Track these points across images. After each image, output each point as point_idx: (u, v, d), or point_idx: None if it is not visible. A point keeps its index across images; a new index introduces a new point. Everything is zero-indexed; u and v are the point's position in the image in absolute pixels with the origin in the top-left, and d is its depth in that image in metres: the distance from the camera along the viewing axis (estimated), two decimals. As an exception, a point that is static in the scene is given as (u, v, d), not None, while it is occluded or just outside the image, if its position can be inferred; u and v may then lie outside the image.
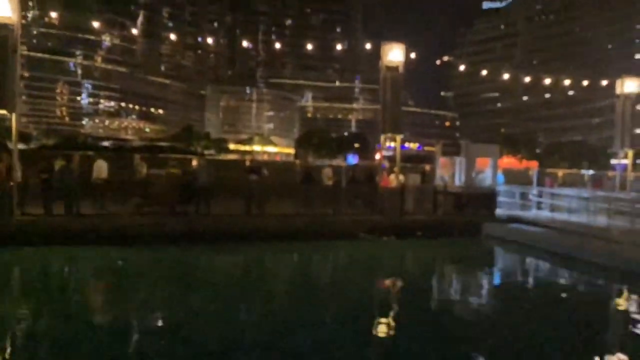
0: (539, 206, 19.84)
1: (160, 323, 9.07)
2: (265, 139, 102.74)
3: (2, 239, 13.59)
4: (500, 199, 20.76)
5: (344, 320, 9.37)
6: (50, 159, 16.63)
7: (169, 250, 14.60)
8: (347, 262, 15.43)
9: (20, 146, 58.25)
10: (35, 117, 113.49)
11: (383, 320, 9.39)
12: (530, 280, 14.14)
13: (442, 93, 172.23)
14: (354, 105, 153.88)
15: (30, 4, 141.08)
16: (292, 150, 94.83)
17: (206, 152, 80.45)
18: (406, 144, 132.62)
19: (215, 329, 8.57)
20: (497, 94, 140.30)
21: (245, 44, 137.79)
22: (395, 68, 18.37)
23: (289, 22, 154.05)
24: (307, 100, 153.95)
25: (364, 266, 15.00)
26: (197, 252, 14.77)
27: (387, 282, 12.90)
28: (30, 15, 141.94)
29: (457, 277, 14.17)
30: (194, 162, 22.60)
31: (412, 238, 17.79)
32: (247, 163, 19.63)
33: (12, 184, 14.32)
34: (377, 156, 20.51)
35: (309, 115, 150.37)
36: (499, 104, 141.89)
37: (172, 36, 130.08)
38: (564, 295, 12.14)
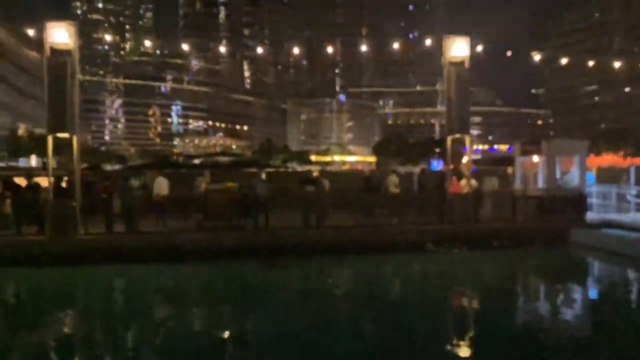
0: (638, 208, 17.26)
1: (215, 343, 8.61)
2: (343, 148, 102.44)
3: (66, 257, 13.95)
4: (592, 201, 18.39)
5: (412, 344, 8.35)
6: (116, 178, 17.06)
7: (225, 266, 14.26)
8: (412, 277, 14.17)
9: (117, 167, 61.90)
10: (131, 140, 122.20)
11: (455, 344, 8.31)
12: (626, 297, 12.02)
13: (533, 90, 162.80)
14: (437, 109, 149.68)
15: (127, 35, 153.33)
16: (372, 159, 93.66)
17: (289, 164, 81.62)
18: (495, 146, 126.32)
19: (273, 349, 7.97)
20: (594, 87, 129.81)
21: (323, 56, 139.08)
22: (460, 63, 16.87)
23: (365, 31, 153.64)
24: (389, 107, 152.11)
25: (431, 282, 13.65)
26: (252, 267, 14.29)
27: (458, 301, 11.51)
28: (127, 46, 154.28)
29: (539, 294, 12.41)
30: (263, 176, 22.35)
31: (487, 249, 16.09)
32: (312, 174, 18.94)
33: (74, 203, 14.71)
34: (464, 159, 19.20)
35: (390, 121, 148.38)
36: (596, 98, 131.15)
37: (253, 54, 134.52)
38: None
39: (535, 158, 19.63)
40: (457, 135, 17.48)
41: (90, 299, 12.03)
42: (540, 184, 18.86)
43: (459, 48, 16.97)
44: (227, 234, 15.66)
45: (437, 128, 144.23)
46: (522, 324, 9.85)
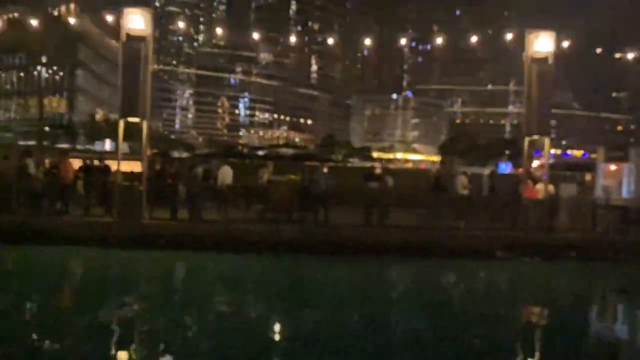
0: None
1: (262, 336, 8.39)
2: (407, 146, 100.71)
3: (131, 240, 14.21)
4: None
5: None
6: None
7: (283, 259, 14.04)
8: (479, 286, 13.34)
9: (184, 154, 64.17)
10: (199, 129, 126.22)
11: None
12: None
13: (614, 94, 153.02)
14: (509, 109, 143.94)
15: (201, 27, 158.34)
16: (437, 158, 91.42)
17: (350, 160, 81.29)
18: (569, 151, 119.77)
19: (319, 348, 7.65)
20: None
21: (391, 52, 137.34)
22: (544, 60, 15.70)
23: (436, 27, 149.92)
24: (457, 106, 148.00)
25: (500, 293, 12.79)
26: (309, 262, 13.97)
27: (526, 315, 10.63)
28: (200, 37, 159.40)
29: (619, 313, 11.29)
30: (325, 170, 22.05)
31: (563, 260, 14.90)
32: (376, 170, 18.40)
33: (141, 188, 14.98)
34: (535, 163, 18.04)
35: (458, 121, 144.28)
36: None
37: (322, 49, 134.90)
38: None
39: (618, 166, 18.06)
40: (536, 137, 16.33)
41: (150, 283, 12.16)
42: (626, 193, 17.30)
43: (542, 43, 15.80)
44: (286, 226, 15.44)
45: (507, 129, 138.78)
46: (590, 346, 8.87)
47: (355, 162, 77.45)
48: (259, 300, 10.86)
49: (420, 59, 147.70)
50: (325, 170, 17.58)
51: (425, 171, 45.16)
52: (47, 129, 68.82)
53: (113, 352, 7.43)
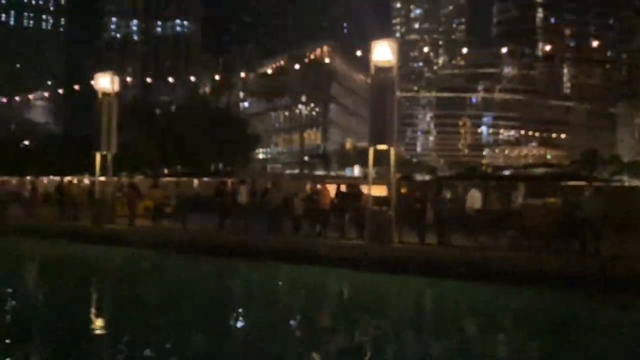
0: None
1: None
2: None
3: (382, 263, 14.55)
4: None
5: None
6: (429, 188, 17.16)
7: (545, 293, 12.46)
8: None
9: (427, 177, 65.09)
10: (440, 151, 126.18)
11: None
12: None
13: None
14: None
15: (440, 50, 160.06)
16: None
17: (617, 177, 70.17)
18: None
19: None
20: None
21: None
22: None
23: None
24: None
25: None
26: (579, 301, 12.07)
27: None
28: (440, 60, 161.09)
29: None
30: (590, 191, 19.26)
31: None
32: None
33: (390, 212, 15.29)
34: None
35: None
36: None
37: (575, 55, 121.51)
38: None
39: None
40: None
41: (400, 310, 12.15)
42: None
43: None
44: (548, 256, 13.73)
45: None
46: None
47: (625, 179, 66.52)
48: (524, 341, 9.70)
49: None
50: (590, 191, 15.24)
51: None
52: (306, 158, 78.07)
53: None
